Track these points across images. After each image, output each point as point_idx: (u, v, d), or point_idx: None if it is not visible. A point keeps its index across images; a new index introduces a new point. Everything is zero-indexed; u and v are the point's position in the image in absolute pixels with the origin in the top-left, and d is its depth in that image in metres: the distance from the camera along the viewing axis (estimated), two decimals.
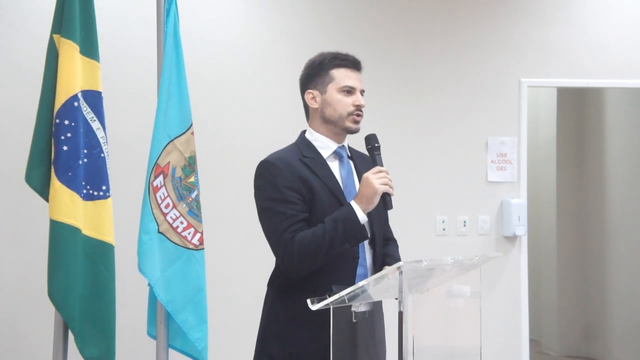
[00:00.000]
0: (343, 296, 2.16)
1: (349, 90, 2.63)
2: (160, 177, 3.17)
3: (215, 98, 4.64)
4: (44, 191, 3.09)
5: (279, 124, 4.51)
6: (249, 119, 4.66)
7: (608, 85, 5.38)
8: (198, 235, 3.23)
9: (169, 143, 3.20)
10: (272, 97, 4.68)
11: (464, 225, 4.96)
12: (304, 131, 2.72)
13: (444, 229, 4.95)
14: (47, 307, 3.18)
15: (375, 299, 2.45)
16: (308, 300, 2.19)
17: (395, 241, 2.86)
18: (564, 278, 7.04)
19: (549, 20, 5.11)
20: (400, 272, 2.13)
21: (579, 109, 7.06)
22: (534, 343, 6.51)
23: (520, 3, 5.09)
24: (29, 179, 3.10)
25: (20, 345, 4.36)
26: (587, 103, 6.99)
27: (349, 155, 2.72)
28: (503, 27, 5.06)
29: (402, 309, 2.14)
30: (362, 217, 2.49)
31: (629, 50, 5.18)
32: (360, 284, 2.18)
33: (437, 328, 2.38)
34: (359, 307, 2.30)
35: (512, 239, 5.02)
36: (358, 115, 2.63)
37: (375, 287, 2.25)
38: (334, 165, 2.64)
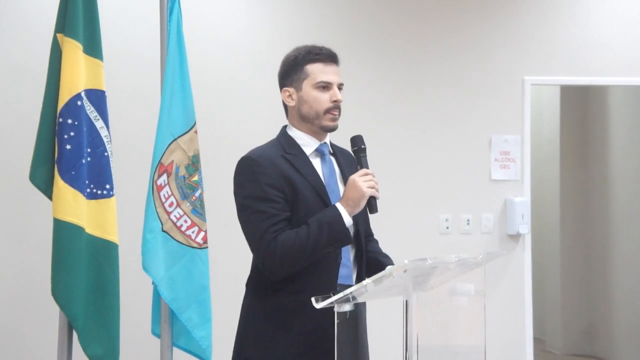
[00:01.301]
0: (348, 294, 2.14)
1: (325, 86, 2.52)
2: (164, 176, 3.17)
3: (218, 97, 4.64)
4: (47, 190, 3.09)
5: (283, 123, 4.50)
6: (252, 118, 4.66)
7: (611, 83, 5.38)
8: (202, 234, 3.23)
9: (172, 142, 3.20)
10: (275, 96, 4.64)
11: (468, 224, 4.96)
12: (285, 126, 2.65)
13: (447, 227, 4.94)
14: (50, 306, 3.18)
15: (378, 297, 2.43)
16: (312, 299, 2.16)
17: (374, 237, 2.78)
18: (567, 276, 7.03)
19: (553, 18, 5.10)
20: (405, 271, 2.12)
21: (582, 107, 7.06)
22: (538, 341, 6.51)
23: (524, 1, 5.08)
24: (32, 178, 3.10)
25: (24, 345, 4.36)
26: (591, 101, 6.98)
27: (331, 151, 2.64)
28: (506, 25, 5.05)
29: (407, 307, 2.14)
30: (348, 221, 2.41)
31: (633, 47, 5.17)
32: (364, 282, 2.17)
33: (441, 326, 2.38)
34: (341, 307, 2.23)
35: (516, 237, 5.02)
36: (335, 111, 2.53)
37: (378, 285, 2.24)
38: (316, 163, 2.56)
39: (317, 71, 2.53)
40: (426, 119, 4.94)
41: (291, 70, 2.58)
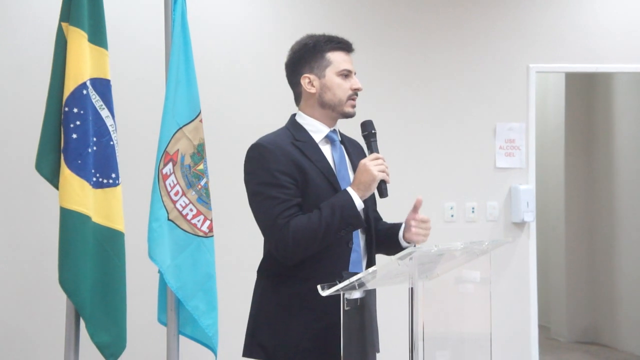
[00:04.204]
0: (354, 282, 2.15)
1: (347, 74, 2.58)
2: (170, 165, 3.18)
3: (223, 85, 4.64)
4: (54, 179, 3.10)
5: (288, 111, 4.50)
6: (257, 106, 4.66)
7: (617, 70, 5.36)
8: (207, 223, 3.24)
9: (177, 131, 3.20)
10: (280, 84, 4.65)
11: (473, 212, 4.96)
12: (294, 114, 2.68)
13: (452, 216, 4.95)
14: (57, 295, 3.20)
15: (384, 285, 2.44)
16: (318, 286, 2.18)
17: (381, 219, 2.82)
18: (572, 264, 7.04)
19: (557, 5, 5.08)
20: (411, 258, 2.13)
21: (587, 94, 7.04)
22: (543, 329, 6.53)
23: None
24: (39, 167, 3.10)
25: (31, 334, 4.39)
26: (596, 88, 6.96)
27: (340, 139, 2.68)
28: (511, 12, 5.04)
29: (412, 295, 2.15)
30: (360, 204, 2.44)
31: (638, 34, 5.15)
32: (370, 269, 2.17)
33: (447, 314, 2.38)
34: (351, 294, 2.24)
35: (521, 225, 5.02)
36: (355, 98, 2.60)
37: (384, 273, 2.25)
38: (326, 149, 2.60)
39: (340, 59, 2.59)
40: (431, 107, 4.93)
41: (311, 58, 2.61)
